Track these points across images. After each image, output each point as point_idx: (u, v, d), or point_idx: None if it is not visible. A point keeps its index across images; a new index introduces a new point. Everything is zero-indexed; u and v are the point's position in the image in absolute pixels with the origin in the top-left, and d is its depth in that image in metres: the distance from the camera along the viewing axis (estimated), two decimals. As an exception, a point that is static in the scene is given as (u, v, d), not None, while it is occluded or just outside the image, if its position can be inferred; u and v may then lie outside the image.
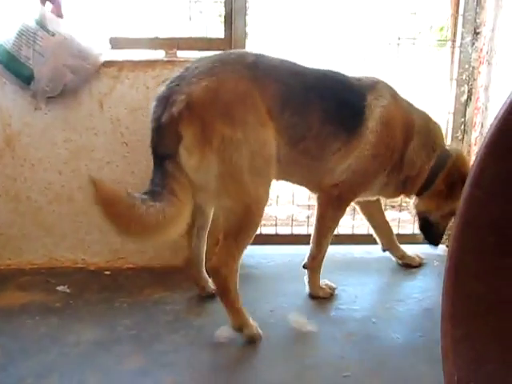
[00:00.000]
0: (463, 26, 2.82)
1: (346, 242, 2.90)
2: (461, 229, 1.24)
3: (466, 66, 2.86)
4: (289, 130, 1.98)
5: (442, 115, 2.89)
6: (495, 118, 1.17)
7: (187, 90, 1.82)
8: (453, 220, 2.12)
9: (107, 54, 2.43)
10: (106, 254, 2.61)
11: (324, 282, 2.36)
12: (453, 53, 2.92)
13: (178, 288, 2.37)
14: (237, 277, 1.93)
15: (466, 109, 2.90)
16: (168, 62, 2.51)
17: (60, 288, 2.36)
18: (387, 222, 2.71)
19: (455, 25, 2.89)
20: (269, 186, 1.97)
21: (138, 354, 1.84)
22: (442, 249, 2.75)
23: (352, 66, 2.71)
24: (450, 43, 2.95)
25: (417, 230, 2.56)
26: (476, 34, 2.81)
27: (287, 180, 2.28)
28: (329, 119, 2.06)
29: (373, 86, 2.18)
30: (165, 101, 1.85)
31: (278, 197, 3.21)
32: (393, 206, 3.43)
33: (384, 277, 2.63)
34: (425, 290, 2.43)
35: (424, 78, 3.50)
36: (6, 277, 2.46)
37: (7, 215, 2.54)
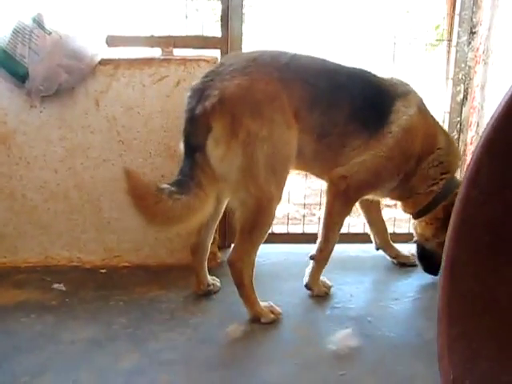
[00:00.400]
0: (459, 26, 2.84)
1: (342, 240, 2.89)
2: (456, 228, 1.24)
3: (462, 66, 2.87)
4: (317, 129, 2.11)
5: (438, 114, 2.89)
6: (491, 118, 1.17)
7: (220, 86, 1.94)
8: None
9: (103, 52, 2.42)
10: (102, 253, 2.60)
11: (321, 278, 2.36)
12: (449, 52, 2.93)
13: (173, 286, 2.37)
14: (252, 271, 2.06)
15: (462, 108, 2.91)
16: (164, 60, 2.50)
17: (55, 286, 2.35)
18: (383, 221, 2.73)
19: (451, 24, 2.90)
20: (282, 186, 2.06)
21: (134, 352, 1.84)
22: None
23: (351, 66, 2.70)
24: (446, 42, 2.96)
25: (412, 229, 2.55)
26: (472, 33, 2.82)
27: (306, 171, 2.45)
28: (355, 118, 2.15)
29: (404, 94, 2.24)
30: (199, 93, 1.97)
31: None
32: (388, 206, 3.43)
33: (380, 275, 2.63)
34: (420, 289, 2.45)
35: (420, 77, 3.50)
36: (2, 275, 2.45)
37: (2, 213, 2.52)
